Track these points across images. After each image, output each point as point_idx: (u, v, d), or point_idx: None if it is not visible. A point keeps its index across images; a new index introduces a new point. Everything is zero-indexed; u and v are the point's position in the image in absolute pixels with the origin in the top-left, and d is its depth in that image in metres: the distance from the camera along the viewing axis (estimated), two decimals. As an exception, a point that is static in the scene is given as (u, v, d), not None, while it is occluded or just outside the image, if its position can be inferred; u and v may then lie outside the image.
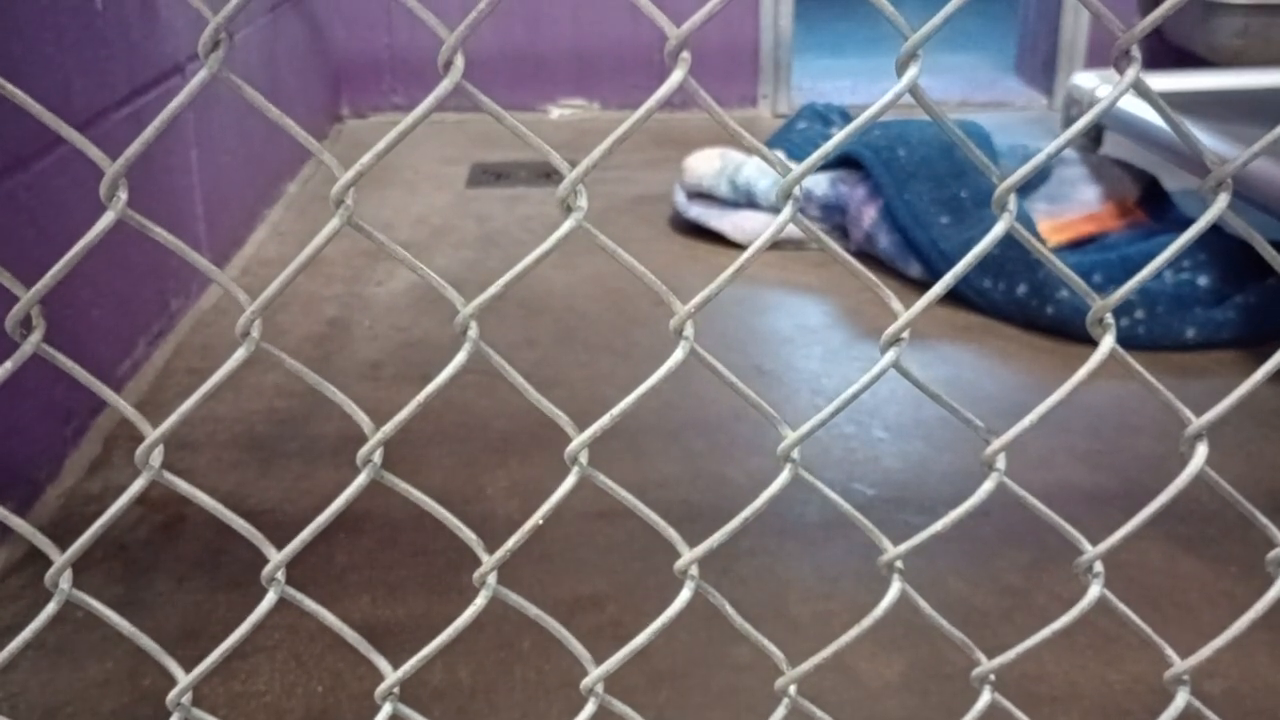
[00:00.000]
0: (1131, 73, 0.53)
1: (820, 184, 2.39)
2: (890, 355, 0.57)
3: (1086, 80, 2.60)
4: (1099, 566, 0.62)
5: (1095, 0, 0.56)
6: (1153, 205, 2.34)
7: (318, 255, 0.55)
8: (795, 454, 0.59)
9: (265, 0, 2.73)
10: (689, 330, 0.57)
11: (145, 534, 1.43)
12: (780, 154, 2.58)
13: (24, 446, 1.48)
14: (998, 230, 0.55)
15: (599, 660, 0.66)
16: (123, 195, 0.52)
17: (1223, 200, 0.56)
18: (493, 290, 0.56)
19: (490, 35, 3.49)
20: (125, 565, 1.38)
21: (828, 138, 2.59)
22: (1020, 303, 2.00)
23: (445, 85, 0.51)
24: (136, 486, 0.56)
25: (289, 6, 2.95)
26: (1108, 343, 0.58)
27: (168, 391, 1.80)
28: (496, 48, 3.51)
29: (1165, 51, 3.23)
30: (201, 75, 0.51)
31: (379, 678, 0.70)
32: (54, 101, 1.59)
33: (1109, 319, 0.57)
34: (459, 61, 0.52)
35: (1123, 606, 0.63)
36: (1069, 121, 2.66)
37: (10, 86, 0.53)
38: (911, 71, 0.53)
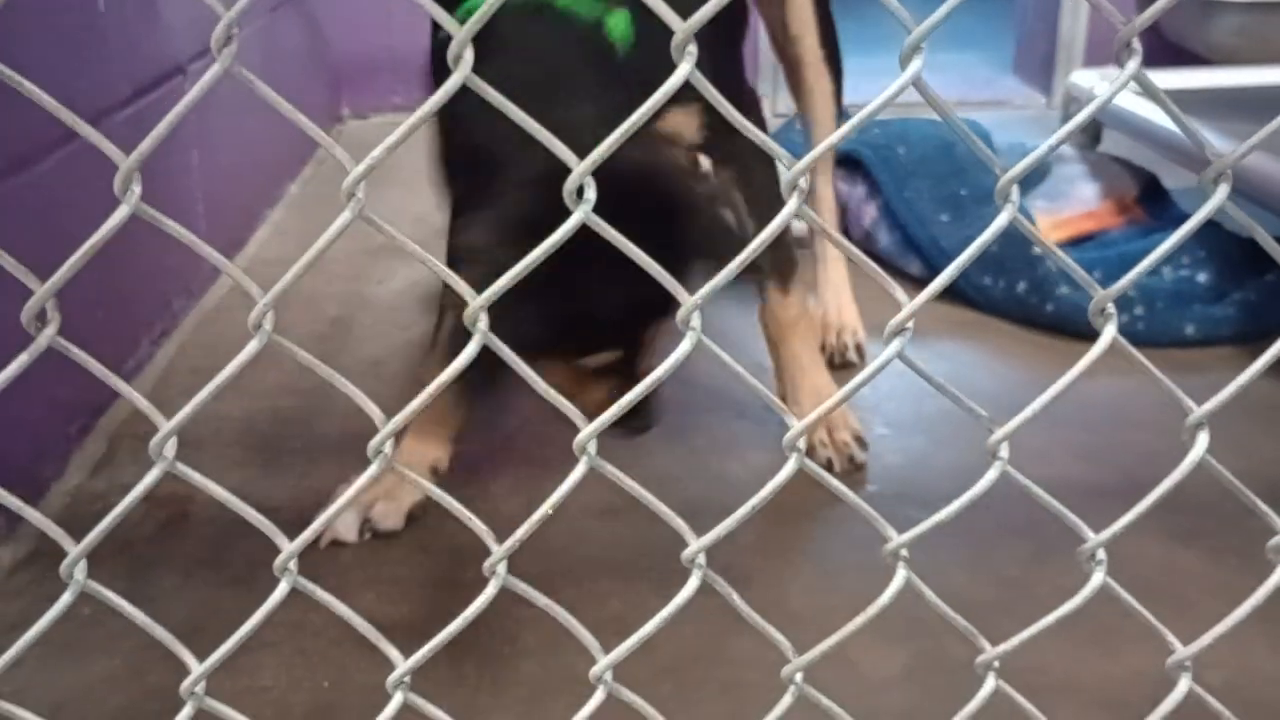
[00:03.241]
0: (1133, 65, 0.54)
1: (820, 182, 2.39)
2: (895, 345, 0.57)
3: (1085, 78, 2.61)
4: (1101, 554, 0.63)
5: (1095, -5, 0.57)
6: (1152, 203, 2.35)
7: (328, 249, 0.56)
8: (800, 444, 0.60)
9: (265, 1, 2.74)
10: (696, 321, 0.57)
11: (150, 530, 1.44)
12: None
13: (29, 445, 1.48)
14: (1001, 221, 0.56)
15: (606, 650, 0.67)
16: (136, 189, 0.53)
17: (1222, 192, 0.56)
18: (500, 283, 0.57)
19: (489, 35, 3.49)
20: (130, 562, 1.38)
21: (827, 136, 2.60)
22: (1020, 299, 2.00)
23: (455, 79, 0.52)
24: (151, 477, 0.57)
25: (289, 7, 2.96)
26: (1109, 333, 0.58)
27: (172, 390, 1.81)
28: (496, 48, 3.51)
29: (1163, 49, 3.24)
30: (215, 70, 0.52)
31: (384, 671, 0.70)
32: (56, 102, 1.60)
33: (1111, 309, 0.58)
34: (468, 55, 0.53)
35: (1125, 594, 0.64)
36: (1068, 120, 2.67)
37: (25, 82, 0.54)
38: (915, 65, 0.54)
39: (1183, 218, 2.27)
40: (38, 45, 1.54)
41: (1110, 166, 2.41)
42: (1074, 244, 2.21)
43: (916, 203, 2.22)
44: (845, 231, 2.38)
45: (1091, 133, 2.69)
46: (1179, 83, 2.63)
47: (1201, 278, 1.98)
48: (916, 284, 2.20)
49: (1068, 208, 2.30)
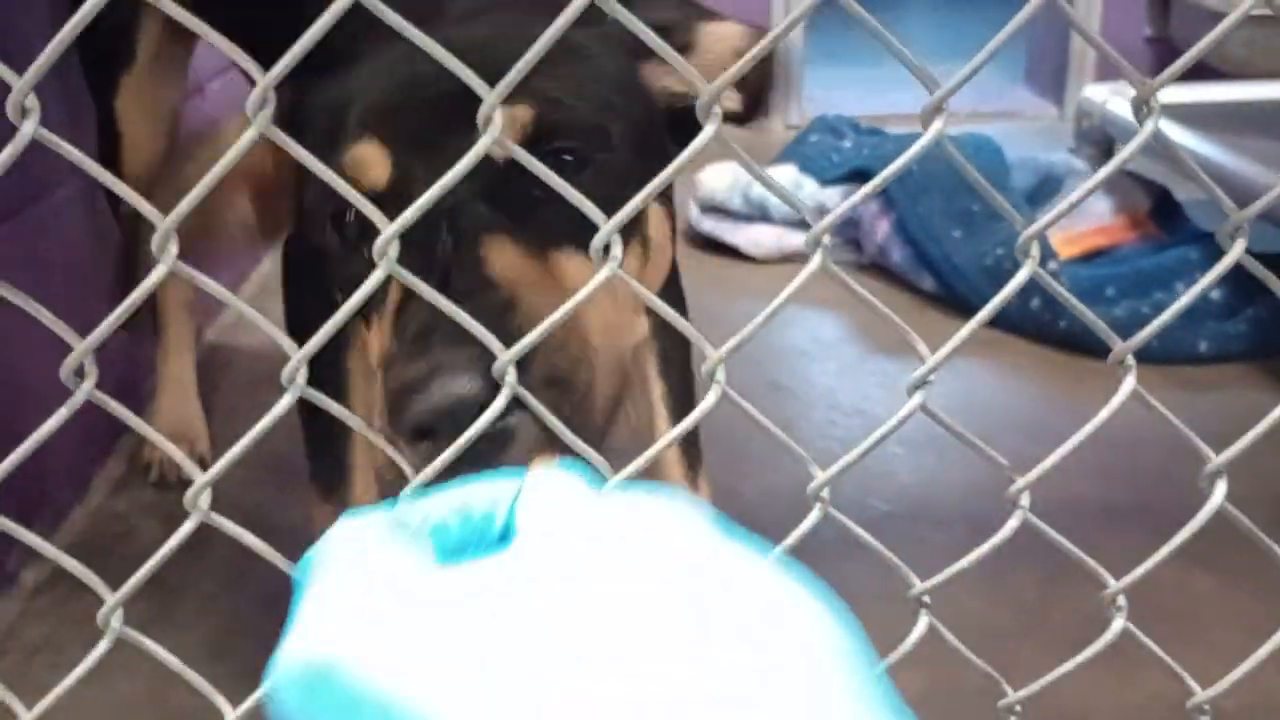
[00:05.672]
0: (1150, 125, 0.54)
1: (833, 198, 2.40)
2: (917, 398, 0.58)
3: (1098, 93, 2.61)
4: (1122, 600, 0.64)
5: (1108, 47, 0.57)
6: (1164, 217, 2.35)
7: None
8: (825, 493, 0.61)
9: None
10: (720, 375, 0.58)
11: (173, 554, 1.45)
12: (793, 167, 2.59)
13: (50, 466, 1.50)
14: (1020, 277, 0.57)
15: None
16: (174, 249, 0.54)
17: (1239, 246, 0.57)
18: (528, 340, 0.58)
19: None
20: (154, 584, 1.37)
21: (839, 150, 2.60)
22: (1033, 317, 2.01)
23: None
24: (186, 528, 0.58)
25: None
26: (1129, 384, 0.59)
27: (190, 409, 1.82)
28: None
29: (1174, 61, 3.23)
30: (250, 134, 0.53)
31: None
32: (74, 131, 1.61)
33: (1130, 360, 0.59)
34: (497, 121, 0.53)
35: (1144, 637, 0.65)
36: (1080, 134, 2.67)
37: (46, 133, 0.55)
38: (936, 125, 0.55)
39: (1196, 232, 2.29)
40: (58, 69, 1.55)
41: (1123, 181, 2.41)
42: (1087, 259, 2.21)
43: (929, 218, 2.23)
44: (859, 246, 2.38)
45: (1104, 148, 2.69)
46: (1191, 96, 2.63)
47: (1215, 295, 1.98)
48: (930, 299, 2.20)
49: (1081, 223, 2.30)
